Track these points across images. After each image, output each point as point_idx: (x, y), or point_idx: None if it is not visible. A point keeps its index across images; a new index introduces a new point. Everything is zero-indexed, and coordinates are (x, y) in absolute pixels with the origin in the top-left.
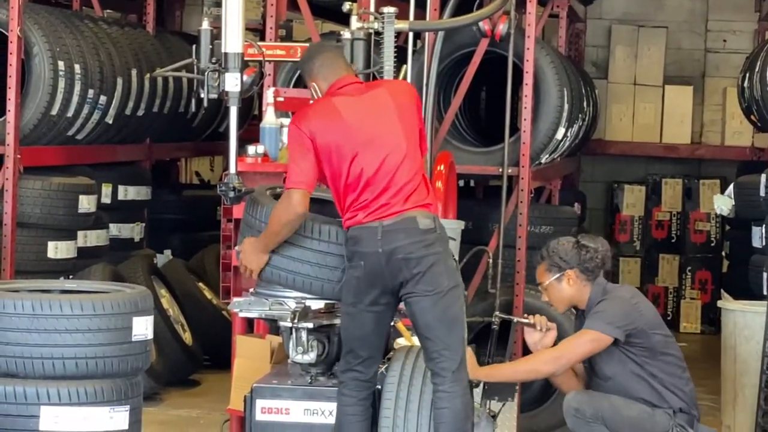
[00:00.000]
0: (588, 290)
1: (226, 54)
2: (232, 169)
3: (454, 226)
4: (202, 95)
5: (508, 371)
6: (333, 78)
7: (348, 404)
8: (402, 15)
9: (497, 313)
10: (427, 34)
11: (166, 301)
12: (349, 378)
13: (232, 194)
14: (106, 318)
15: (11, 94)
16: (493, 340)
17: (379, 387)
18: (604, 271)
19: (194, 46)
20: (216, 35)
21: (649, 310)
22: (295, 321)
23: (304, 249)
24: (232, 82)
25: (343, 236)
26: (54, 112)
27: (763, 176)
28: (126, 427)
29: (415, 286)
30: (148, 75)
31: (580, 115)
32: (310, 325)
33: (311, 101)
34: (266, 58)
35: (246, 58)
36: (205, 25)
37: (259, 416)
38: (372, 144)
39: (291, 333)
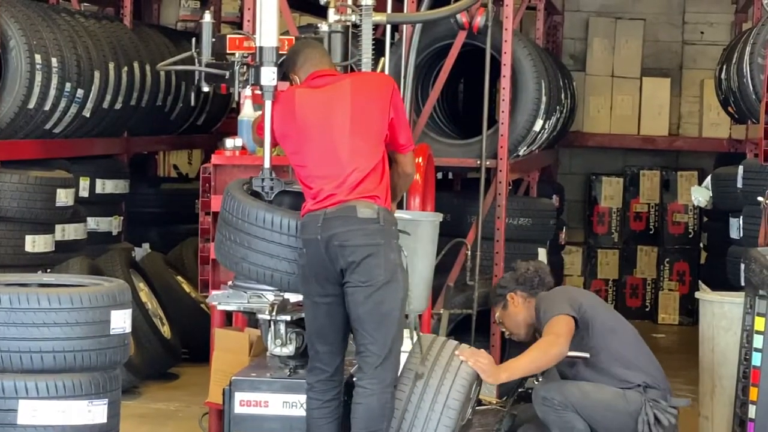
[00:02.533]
0: (533, 306)
1: (261, 48)
2: (267, 164)
3: (432, 219)
4: (204, 88)
5: (527, 365)
6: (312, 70)
7: (314, 407)
8: (380, 7)
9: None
10: (404, 26)
11: (145, 294)
12: (314, 379)
13: (269, 189)
14: (84, 311)
15: None
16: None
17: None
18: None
19: (194, 39)
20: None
21: (588, 294)
22: (274, 314)
23: (282, 245)
24: (269, 76)
25: None
26: (31, 105)
27: (741, 168)
28: (104, 420)
29: (350, 276)
30: (128, 66)
31: (557, 108)
32: (289, 318)
33: None
34: None
35: (242, 51)
36: (207, 18)
37: (238, 409)
38: (316, 136)
39: (269, 326)
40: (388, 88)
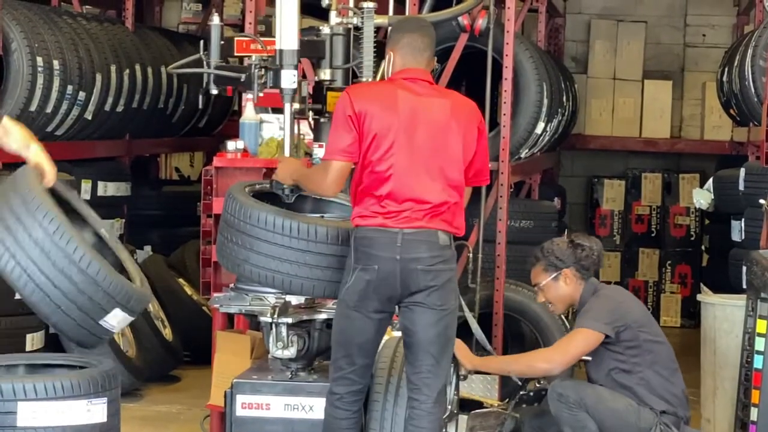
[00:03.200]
0: (581, 289)
1: (281, 51)
2: None
3: None
4: (213, 91)
5: (503, 364)
6: (408, 64)
7: (342, 417)
8: (381, 10)
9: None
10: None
11: None
12: (345, 390)
13: (288, 192)
14: None
15: None
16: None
17: None
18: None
19: (201, 42)
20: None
21: (638, 308)
22: (275, 316)
23: (284, 248)
24: (289, 79)
25: (326, 235)
26: (33, 108)
27: (742, 170)
28: (104, 419)
29: (425, 298)
30: (130, 68)
31: (559, 110)
32: (290, 320)
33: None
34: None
35: (250, 54)
36: (216, 20)
37: (240, 411)
38: (412, 151)
39: (271, 328)
40: (478, 120)
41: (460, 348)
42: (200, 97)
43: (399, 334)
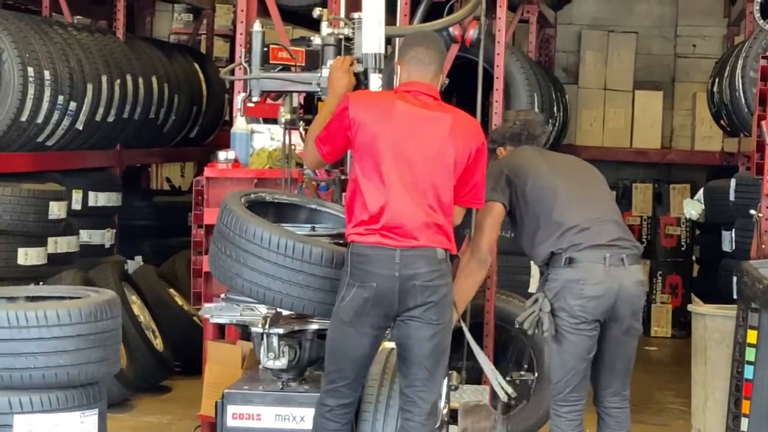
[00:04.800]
0: None
1: (366, 55)
2: None
3: None
4: (254, 98)
5: (462, 294)
6: (414, 77)
7: (332, 429)
8: None
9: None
10: (397, 39)
11: (137, 307)
12: (336, 403)
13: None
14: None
15: None
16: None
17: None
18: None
19: (243, 49)
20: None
21: (528, 162)
22: (266, 327)
23: (278, 266)
24: (376, 83)
25: (321, 257)
26: (24, 118)
27: (733, 181)
28: (96, 430)
29: (422, 313)
30: (121, 78)
31: (550, 120)
32: (281, 331)
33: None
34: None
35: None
36: (257, 27)
37: (231, 422)
38: (405, 166)
39: (262, 339)
40: (479, 141)
41: None
42: (226, 102)
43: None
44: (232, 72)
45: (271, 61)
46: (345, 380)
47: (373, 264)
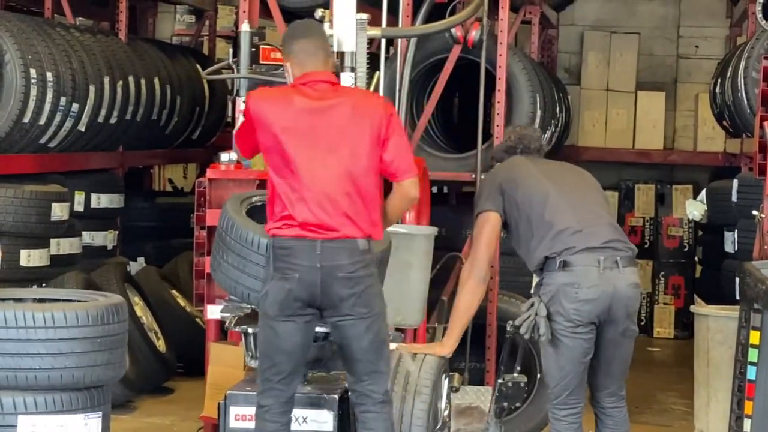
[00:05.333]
0: None
1: (342, 53)
2: None
3: (427, 233)
4: (242, 98)
5: (462, 312)
6: (307, 68)
7: (273, 429)
8: (374, 22)
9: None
10: (399, 40)
11: (140, 308)
12: (271, 401)
13: None
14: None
15: None
16: (506, 348)
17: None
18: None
19: (231, 48)
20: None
21: (516, 171)
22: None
23: (249, 262)
24: (348, 82)
25: None
26: (26, 119)
27: (735, 181)
28: None
29: (352, 308)
30: (124, 80)
31: (552, 121)
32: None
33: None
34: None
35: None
36: (246, 27)
37: (233, 423)
38: (314, 157)
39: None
40: (386, 115)
41: (430, 348)
42: (229, 104)
43: (394, 345)
44: (217, 72)
45: (261, 62)
46: (280, 375)
47: (295, 255)
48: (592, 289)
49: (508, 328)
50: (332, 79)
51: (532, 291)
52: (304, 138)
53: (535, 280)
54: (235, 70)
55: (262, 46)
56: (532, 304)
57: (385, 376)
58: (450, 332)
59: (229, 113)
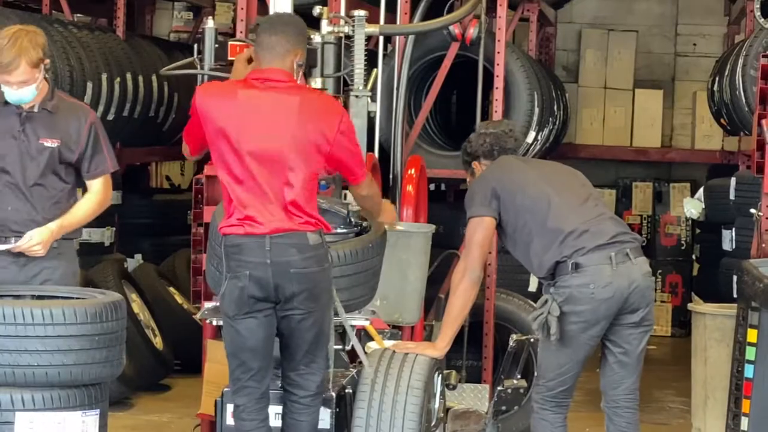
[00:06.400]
0: None
1: None
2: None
3: (425, 230)
4: None
5: (455, 313)
6: (264, 64)
7: (251, 428)
8: (372, 19)
9: (514, 336)
10: (397, 38)
11: (137, 305)
12: (245, 399)
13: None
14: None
15: None
16: (509, 360)
17: (350, 391)
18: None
19: (195, 46)
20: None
21: (512, 175)
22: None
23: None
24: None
25: None
26: None
27: (733, 180)
28: (96, 430)
29: (302, 302)
30: (121, 77)
31: (550, 119)
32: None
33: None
34: None
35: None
36: (210, 24)
37: (230, 420)
38: (258, 148)
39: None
40: (335, 118)
41: (422, 346)
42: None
43: (390, 342)
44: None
45: (231, 57)
46: (249, 372)
47: (245, 252)
48: (607, 288)
49: (511, 343)
50: (285, 77)
51: (529, 288)
52: (246, 132)
53: (534, 277)
54: (199, 67)
55: (231, 42)
56: (546, 302)
57: (321, 368)
58: (443, 334)
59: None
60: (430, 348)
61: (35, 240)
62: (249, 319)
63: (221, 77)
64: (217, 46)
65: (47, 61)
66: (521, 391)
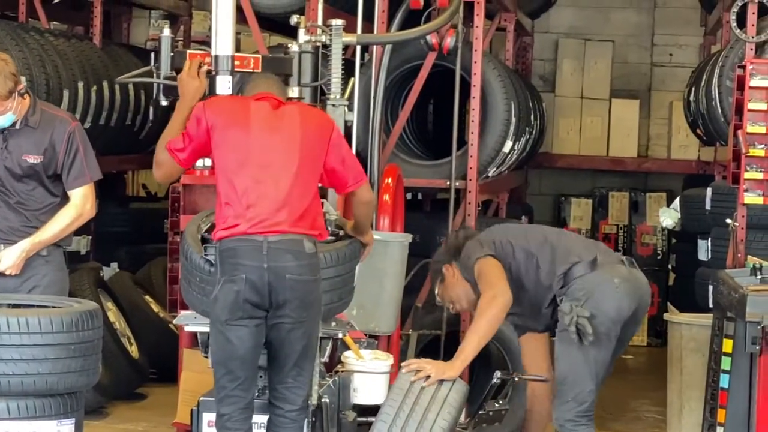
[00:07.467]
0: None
1: (216, 57)
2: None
3: (401, 239)
4: (162, 102)
5: (476, 340)
6: (258, 90)
7: None
8: (350, 28)
9: (498, 373)
10: (374, 47)
11: (113, 314)
12: (230, 409)
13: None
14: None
15: None
16: (491, 393)
17: (326, 400)
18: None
19: (153, 54)
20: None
21: (507, 230)
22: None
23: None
24: (224, 85)
25: None
26: None
27: (709, 190)
28: None
29: (293, 311)
30: (98, 85)
31: (527, 129)
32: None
33: None
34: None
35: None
36: (166, 32)
37: (206, 430)
38: (265, 160)
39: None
40: (329, 129)
41: (437, 369)
42: (150, 108)
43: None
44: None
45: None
46: (236, 381)
47: (241, 256)
48: (629, 284)
49: (495, 379)
50: (281, 99)
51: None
52: (257, 142)
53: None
54: (155, 76)
55: (190, 51)
56: (571, 308)
57: (308, 381)
58: (464, 356)
59: (151, 118)
60: (448, 369)
61: (5, 263)
62: (241, 328)
63: (176, 86)
64: (173, 54)
65: (21, 85)
66: (503, 412)
